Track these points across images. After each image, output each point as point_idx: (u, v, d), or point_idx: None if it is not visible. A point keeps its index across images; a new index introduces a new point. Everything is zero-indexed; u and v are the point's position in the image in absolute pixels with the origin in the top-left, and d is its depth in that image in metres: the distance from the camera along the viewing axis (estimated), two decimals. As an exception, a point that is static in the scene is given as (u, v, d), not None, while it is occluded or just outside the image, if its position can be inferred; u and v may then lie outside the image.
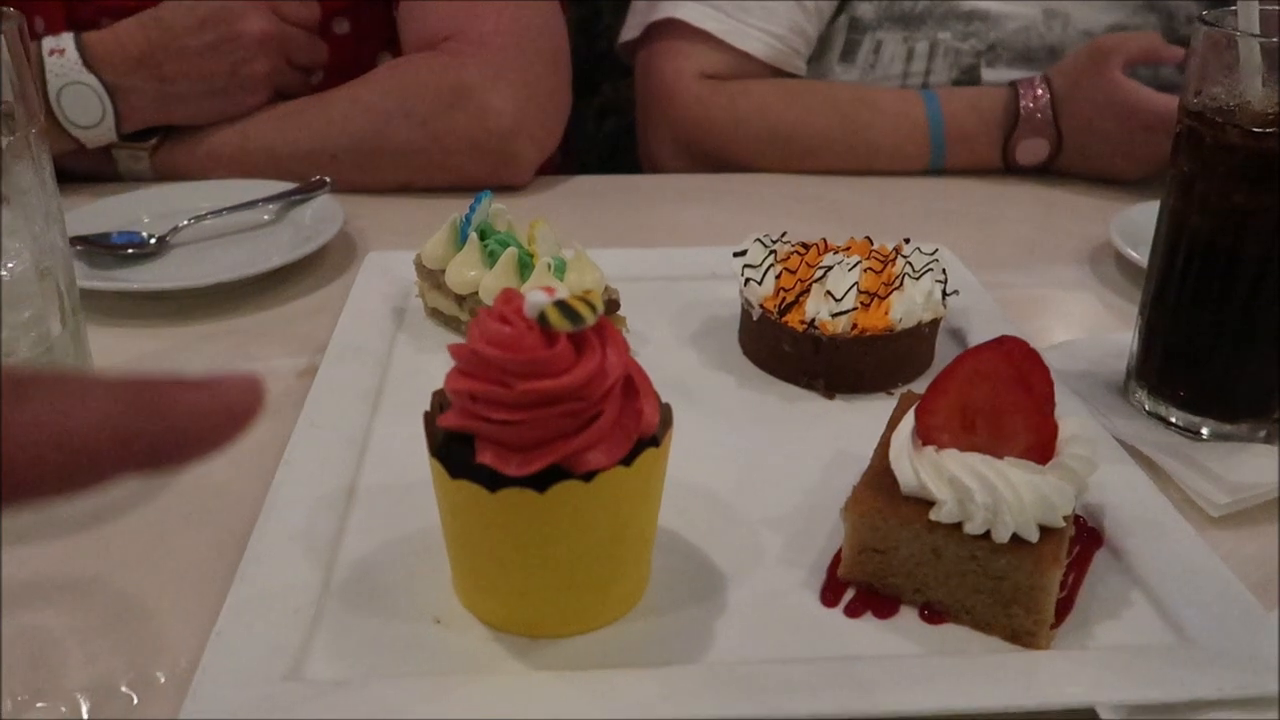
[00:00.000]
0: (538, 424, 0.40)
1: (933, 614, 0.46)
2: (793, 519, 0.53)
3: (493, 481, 0.40)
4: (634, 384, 0.43)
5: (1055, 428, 0.45)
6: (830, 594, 0.47)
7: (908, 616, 0.47)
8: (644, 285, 0.76)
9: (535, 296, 0.40)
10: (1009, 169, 1.06)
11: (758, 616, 0.46)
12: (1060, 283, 0.85)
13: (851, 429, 0.57)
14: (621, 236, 0.92)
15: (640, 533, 0.45)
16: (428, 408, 0.45)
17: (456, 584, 0.47)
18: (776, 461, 0.57)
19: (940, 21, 1.10)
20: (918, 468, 0.45)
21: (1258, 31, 0.54)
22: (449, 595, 0.47)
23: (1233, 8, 0.55)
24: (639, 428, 0.42)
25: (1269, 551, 0.52)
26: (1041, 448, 0.45)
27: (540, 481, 0.40)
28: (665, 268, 0.79)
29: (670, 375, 0.65)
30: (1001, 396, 0.45)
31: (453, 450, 0.42)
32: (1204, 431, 0.60)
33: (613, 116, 1.66)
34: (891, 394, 0.64)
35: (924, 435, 0.46)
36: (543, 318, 0.40)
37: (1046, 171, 1.06)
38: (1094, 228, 0.92)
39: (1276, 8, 0.56)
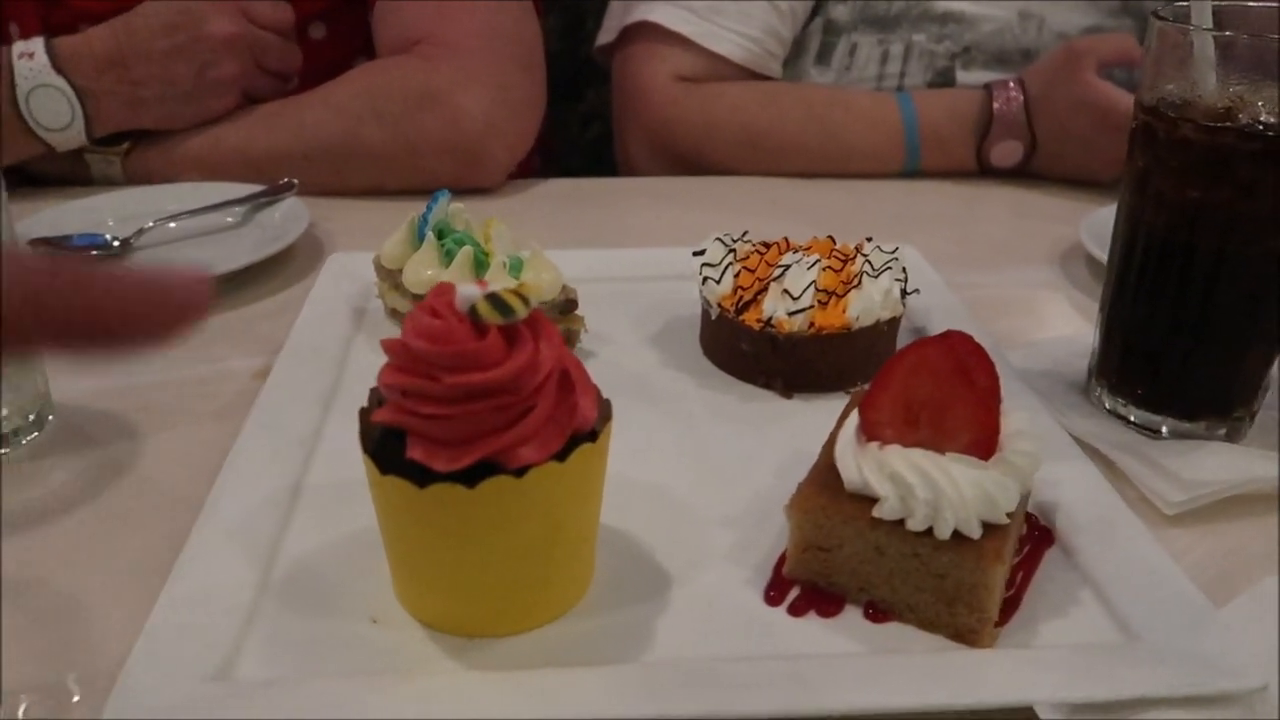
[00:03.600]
0: (467, 418, 0.39)
1: (877, 612, 0.46)
2: (743, 518, 0.52)
3: (422, 477, 0.40)
4: (570, 379, 0.43)
5: (998, 423, 0.45)
6: (775, 592, 0.47)
7: (852, 615, 0.46)
8: (608, 285, 0.75)
9: (466, 289, 0.40)
10: (984, 171, 1.06)
11: (701, 615, 0.46)
12: (1030, 283, 0.84)
13: (808, 428, 0.56)
14: (594, 238, 0.92)
15: (579, 529, 0.45)
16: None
17: (394, 583, 0.46)
18: (730, 460, 0.57)
19: (915, 24, 1.09)
20: (861, 464, 0.45)
21: (1210, 26, 0.54)
22: (387, 594, 0.46)
23: (1187, 2, 0.55)
24: (574, 423, 0.42)
25: (1223, 549, 0.52)
26: (985, 443, 0.44)
27: (470, 477, 0.39)
28: (630, 268, 0.78)
29: (628, 375, 0.66)
30: (944, 390, 0.44)
31: (385, 446, 0.42)
32: (1163, 430, 0.59)
33: (597, 122, 1.66)
34: (850, 393, 0.63)
35: (868, 431, 0.46)
36: (473, 311, 0.39)
37: (1022, 173, 1.05)
38: (1066, 229, 0.91)
39: (1228, 1, 0.56)
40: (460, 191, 0.99)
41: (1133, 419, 0.61)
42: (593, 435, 0.43)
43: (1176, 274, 0.57)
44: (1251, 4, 0.58)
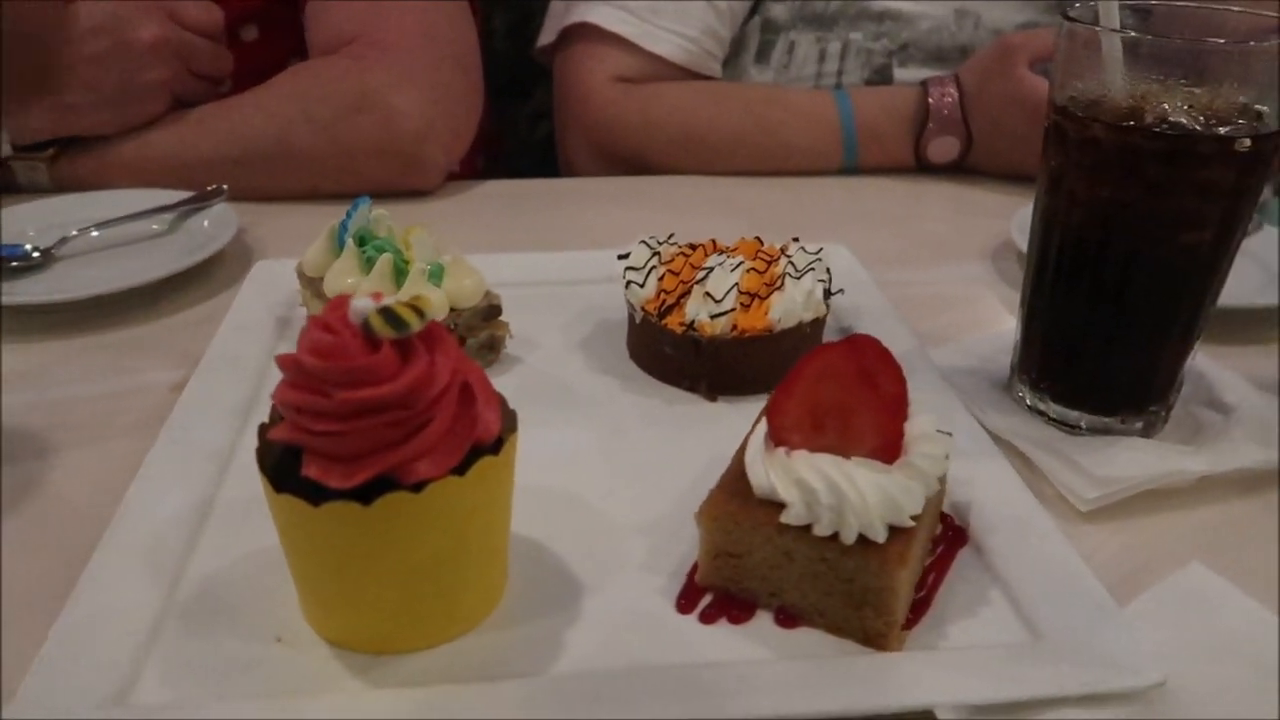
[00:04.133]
0: (362, 434, 0.39)
1: (787, 617, 0.46)
2: (659, 524, 0.52)
3: (316, 495, 0.39)
4: (471, 390, 0.42)
5: (902, 427, 0.45)
6: (686, 600, 0.47)
7: (763, 620, 0.46)
8: (537, 290, 0.75)
9: (359, 303, 0.39)
10: (922, 167, 1.06)
11: (612, 625, 0.46)
12: (963, 279, 0.85)
13: (732, 431, 0.56)
14: (533, 240, 0.91)
15: (485, 543, 0.44)
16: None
17: (300, 601, 0.45)
18: (650, 466, 0.57)
19: (852, 22, 1.10)
20: (769, 470, 0.45)
21: (1117, 26, 0.54)
22: (293, 613, 0.45)
23: (1095, 2, 0.55)
24: (475, 435, 0.41)
25: (1136, 544, 0.52)
26: (889, 447, 0.44)
27: (366, 494, 0.39)
28: (560, 272, 0.78)
29: (552, 380, 0.65)
30: (849, 396, 0.44)
31: (283, 464, 0.41)
32: (1081, 425, 0.60)
33: (545, 121, 1.65)
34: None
35: (775, 437, 0.46)
36: (366, 325, 0.39)
37: (959, 169, 1.06)
38: (1000, 224, 0.92)
39: (1133, 1, 0.56)
40: (398, 194, 0.98)
41: (1052, 415, 0.61)
42: (496, 447, 0.42)
43: (1090, 271, 0.57)
44: (1161, 3, 0.58)
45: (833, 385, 0.44)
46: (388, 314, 0.39)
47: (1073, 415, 0.60)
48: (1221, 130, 0.51)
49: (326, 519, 0.39)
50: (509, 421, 0.44)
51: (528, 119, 1.64)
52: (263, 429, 0.43)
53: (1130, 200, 0.54)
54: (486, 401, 0.43)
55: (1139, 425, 0.60)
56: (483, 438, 0.42)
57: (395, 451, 0.39)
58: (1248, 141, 0.51)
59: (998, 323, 0.76)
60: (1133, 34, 0.53)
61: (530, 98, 1.61)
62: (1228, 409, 0.61)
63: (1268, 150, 0.52)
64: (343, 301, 0.40)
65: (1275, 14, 0.55)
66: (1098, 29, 0.54)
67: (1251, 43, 0.51)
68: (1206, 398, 0.63)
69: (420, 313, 0.40)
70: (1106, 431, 0.60)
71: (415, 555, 0.41)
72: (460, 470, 0.40)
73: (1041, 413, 0.62)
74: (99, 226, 0.84)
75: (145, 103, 0.94)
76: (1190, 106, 0.52)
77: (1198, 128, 0.52)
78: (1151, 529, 0.54)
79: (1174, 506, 0.55)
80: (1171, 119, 0.53)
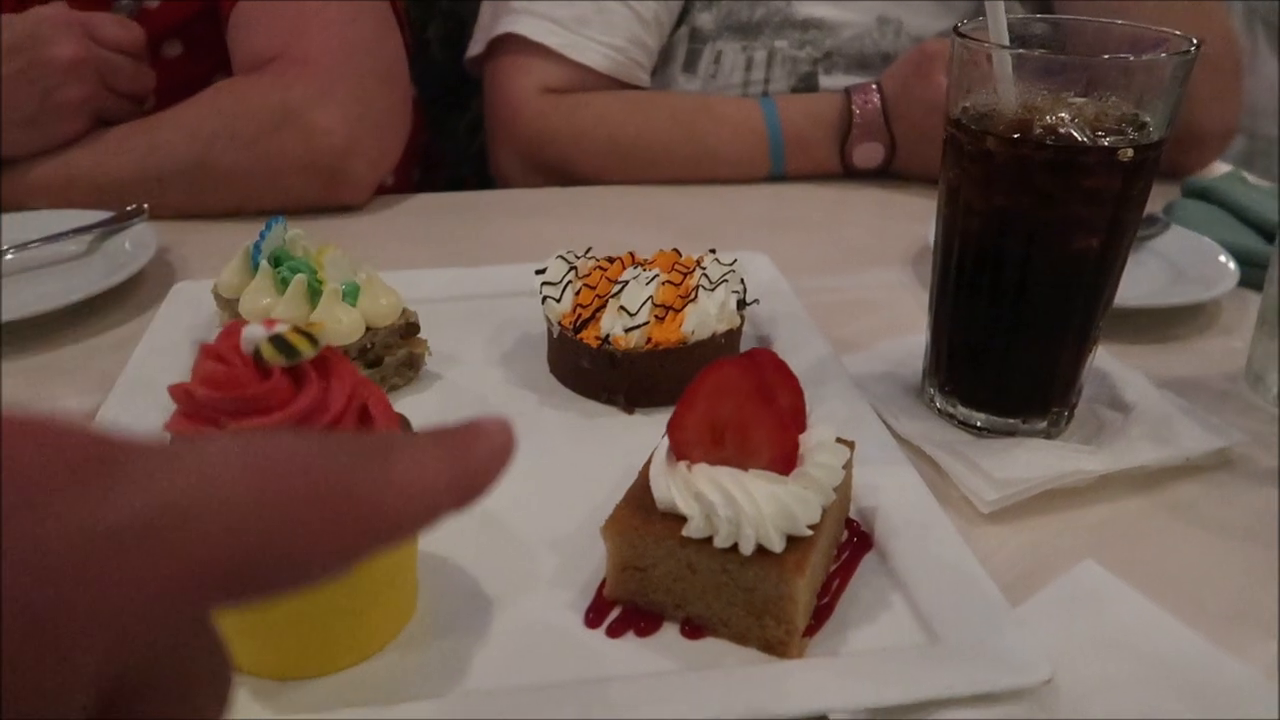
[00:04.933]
0: (255, 463, 0.39)
1: (693, 628, 0.46)
2: (571, 539, 0.52)
3: (210, 524, 0.39)
4: (370, 414, 0.42)
5: (796, 439, 0.46)
6: (594, 615, 0.47)
7: (670, 632, 0.47)
8: (458, 305, 0.75)
9: (251, 331, 0.40)
10: (848, 173, 1.08)
11: (521, 642, 0.46)
12: (883, 285, 0.86)
13: (648, 443, 0.56)
14: (459, 254, 0.91)
15: (389, 566, 0.45)
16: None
17: (206, 628, 0.45)
18: (564, 480, 0.57)
19: (777, 30, 1.11)
20: (670, 484, 0.46)
21: (1006, 41, 0.56)
22: (200, 640, 0.45)
23: (982, 18, 0.57)
24: (374, 460, 0.42)
25: (1033, 543, 0.54)
26: (785, 459, 0.45)
27: (261, 522, 0.39)
28: (481, 286, 0.78)
29: (470, 395, 0.66)
30: (745, 410, 0.45)
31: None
32: (987, 427, 0.62)
33: (483, 131, 1.65)
34: (692, 405, 0.64)
35: (677, 451, 0.47)
36: (257, 353, 0.39)
37: (885, 174, 1.08)
38: (921, 228, 0.94)
39: (1022, 15, 0.58)
40: (325, 210, 0.98)
41: (959, 417, 0.63)
42: (396, 470, 0.43)
43: (989, 278, 0.59)
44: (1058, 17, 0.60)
45: (730, 400, 0.45)
46: (279, 341, 0.39)
47: (978, 418, 0.62)
48: (1106, 141, 0.53)
49: (222, 548, 0.39)
50: (411, 444, 0.45)
51: (466, 129, 1.64)
52: (161, 458, 0.43)
53: (1023, 209, 0.56)
54: (387, 424, 0.43)
55: (1042, 425, 0.62)
56: (382, 461, 0.42)
57: (290, 479, 0.39)
58: (1130, 151, 0.53)
59: (913, 327, 0.78)
60: (1020, 50, 0.55)
61: (467, 109, 1.61)
62: (1128, 407, 0.63)
63: (1151, 159, 0.54)
64: (235, 329, 0.41)
65: (1161, 29, 0.57)
66: (988, 45, 0.56)
67: (1132, 57, 0.53)
68: (1109, 397, 0.65)
69: (313, 339, 0.40)
70: (1011, 433, 0.61)
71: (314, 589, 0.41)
72: (358, 495, 0.41)
73: (950, 415, 0.63)
74: (15, 249, 0.82)
75: (64, 122, 0.93)
76: (1078, 118, 0.54)
77: (1084, 139, 0.54)
78: (1050, 527, 0.55)
79: (1072, 505, 0.57)
80: (1060, 130, 0.54)
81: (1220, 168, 1.12)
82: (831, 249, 0.94)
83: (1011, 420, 0.61)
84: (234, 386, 0.38)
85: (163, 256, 0.87)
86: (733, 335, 0.65)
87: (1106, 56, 0.55)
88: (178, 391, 0.40)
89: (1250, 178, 1.03)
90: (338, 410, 0.40)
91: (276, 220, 0.67)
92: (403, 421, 0.45)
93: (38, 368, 0.71)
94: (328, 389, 0.40)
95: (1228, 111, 1.06)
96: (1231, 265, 0.79)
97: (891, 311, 0.82)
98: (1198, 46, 0.53)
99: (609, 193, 1.07)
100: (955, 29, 0.57)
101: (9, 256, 0.82)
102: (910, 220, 0.98)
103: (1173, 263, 0.82)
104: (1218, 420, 0.62)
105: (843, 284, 0.86)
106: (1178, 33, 0.55)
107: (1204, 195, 0.94)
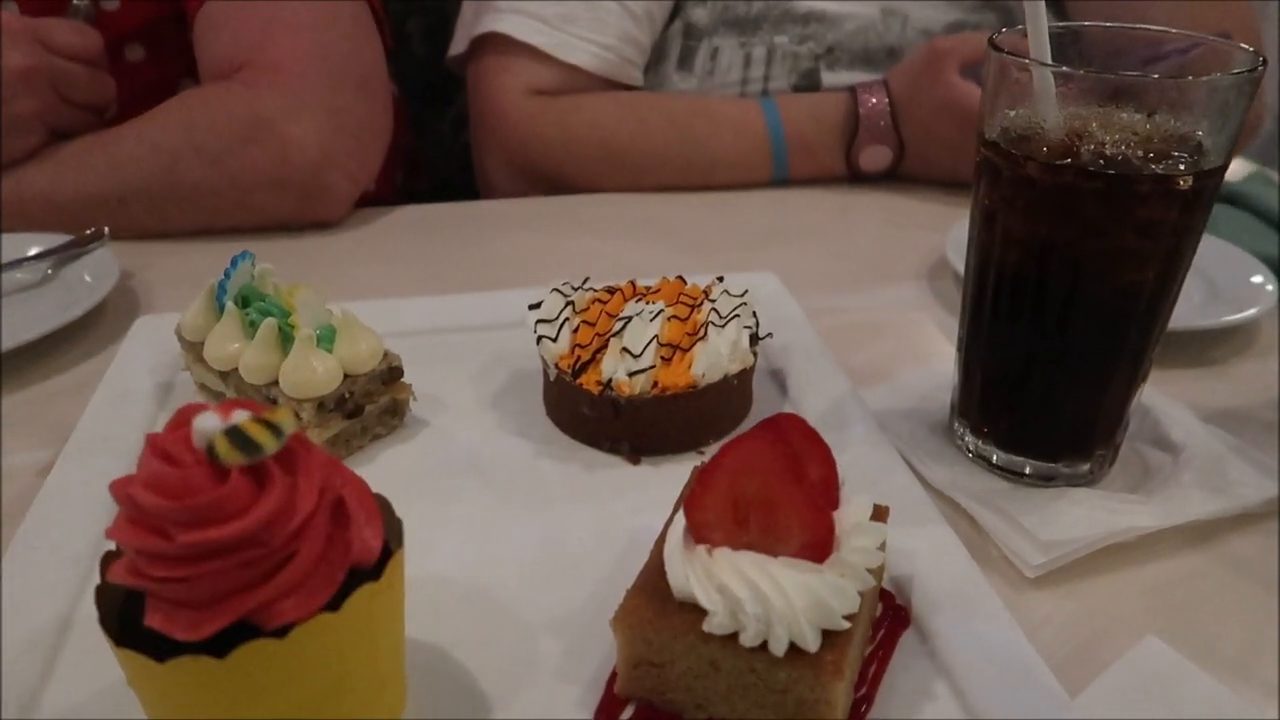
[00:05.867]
0: (210, 578, 0.33)
1: (716, 731, 0.41)
2: (576, 619, 0.47)
3: (161, 649, 0.34)
4: (346, 508, 0.37)
5: (832, 520, 0.41)
6: (605, 714, 0.42)
7: (690, 735, 0.42)
8: (443, 338, 0.70)
9: (202, 423, 0.34)
10: (854, 176, 1.02)
11: (523, 748, 0.41)
12: (897, 304, 0.81)
13: (656, 499, 0.52)
14: (446, 273, 0.86)
15: (371, 674, 0.39)
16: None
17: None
18: (567, 547, 0.52)
19: (776, 25, 1.05)
20: (689, 571, 0.40)
21: (1048, 55, 0.51)
22: (159, 758, 0.40)
23: (1020, 26, 0.51)
24: (350, 560, 0.36)
25: (1086, 610, 0.49)
26: (818, 544, 0.40)
27: (220, 645, 0.34)
28: (469, 317, 0.72)
29: (460, 445, 0.60)
30: (773, 489, 0.40)
31: (127, 608, 0.36)
32: (1026, 470, 0.57)
33: (468, 128, 1.59)
34: (703, 453, 0.59)
35: (695, 533, 0.41)
36: (211, 450, 0.34)
37: (892, 177, 1.03)
38: (935, 238, 0.89)
39: (1064, 24, 0.53)
40: (299, 228, 0.92)
41: (995, 460, 0.58)
42: (378, 570, 0.37)
43: (1029, 312, 0.54)
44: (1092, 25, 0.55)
45: (756, 476, 0.40)
46: (236, 435, 0.34)
47: (1016, 461, 0.57)
48: (1160, 167, 0.48)
49: (176, 675, 0.34)
50: (394, 533, 0.39)
51: (450, 125, 1.58)
52: (105, 561, 0.38)
53: (1068, 239, 0.51)
54: (366, 517, 0.38)
55: (1085, 469, 0.57)
56: (361, 561, 0.37)
57: (252, 594, 0.34)
58: (1190, 179, 0.48)
59: (935, 353, 0.73)
60: (1065, 69, 0.50)
61: (451, 104, 1.55)
62: (1175, 448, 0.58)
63: (1211, 186, 0.49)
64: (185, 417, 0.35)
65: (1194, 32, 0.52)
66: (1028, 62, 0.50)
67: (1190, 78, 0.48)
68: (1152, 435, 0.60)
69: (276, 429, 0.34)
70: (1051, 477, 0.56)
71: (283, 706, 0.36)
72: (334, 605, 0.35)
73: (984, 458, 0.58)
74: (-38, 280, 0.76)
75: (16, 137, 0.87)
76: (1128, 140, 0.49)
77: (1136, 162, 0.48)
78: (1102, 591, 0.50)
79: (1124, 563, 0.52)
80: (1109, 154, 0.49)
81: (1241, 166, 1.07)
82: (840, 262, 0.88)
83: (1052, 464, 0.56)
84: (185, 494, 0.33)
85: (124, 283, 0.81)
86: (746, 375, 0.60)
87: (1160, 76, 0.49)
88: (120, 493, 0.34)
89: (1276, 176, 0.98)
90: (307, 510, 0.35)
91: (243, 256, 0.61)
92: (384, 506, 0.40)
93: (-14, 417, 0.65)
94: (294, 487, 0.35)
95: (1255, 105, 1.01)
96: (1269, 285, 0.74)
97: (909, 335, 0.76)
98: (1264, 63, 0.47)
99: (603, 202, 1.01)
100: (990, 42, 0.51)
101: (-44, 289, 0.75)
102: (922, 229, 0.93)
103: (1207, 277, 0.77)
104: (1270, 460, 0.57)
105: (855, 303, 0.81)
106: (1214, 37, 0.50)
107: (1232, 200, 0.89)
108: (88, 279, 0.78)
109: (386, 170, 1.16)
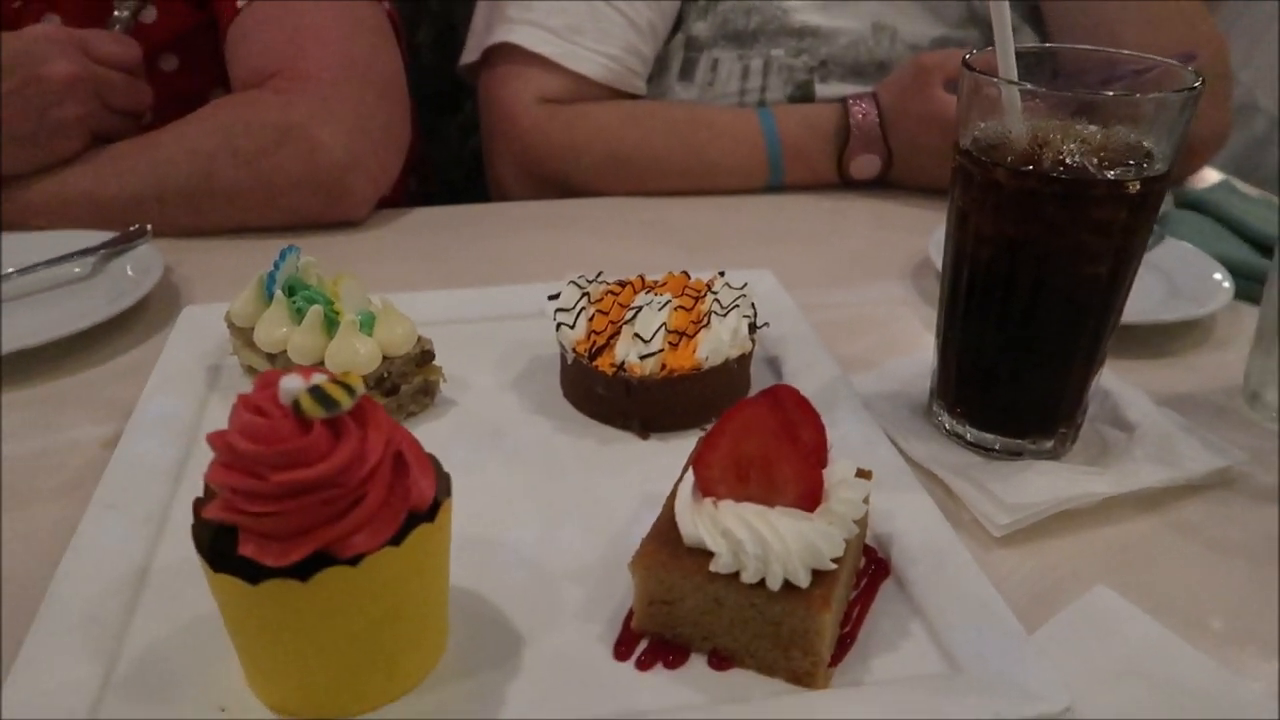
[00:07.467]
0: (296, 513, 0.40)
1: (720, 660, 0.47)
2: (595, 569, 0.53)
3: (253, 573, 0.40)
4: (405, 460, 0.43)
5: (821, 476, 0.47)
6: (623, 647, 0.48)
7: (697, 664, 0.48)
8: (468, 328, 0.76)
9: (289, 383, 0.40)
10: (846, 183, 1.09)
11: (552, 676, 0.47)
12: (884, 300, 0.87)
13: (664, 469, 0.58)
14: (464, 270, 0.92)
15: (424, 606, 0.45)
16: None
17: (243, 670, 0.46)
18: (585, 509, 0.58)
19: (772, 39, 1.12)
20: (697, 520, 0.47)
21: (1015, 74, 0.57)
22: (237, 682, 0.46)
23: (990, 48, 0.58)
24: (410, 504, 0.42)
25: (1046, 565, 0.55)
26: (809, 496, 0.46)
27: (303, 570, 0.40)
28: (491, 308, 0.78)
29: (486, 422, 0.66)
30: (770, 448, 0.46)
31: (219, 541, 0.42)
32: (996, 446, 0.63)
33: (475, 134, 1.64)
34: (706, 429, 0.65)
35: (703, 488, 0.48)
36: (296, 405, 0.40)
37: (881, 184, 1.09)
38: (919, 240, 0.95)
39: (1035, 45, 0.59)
40: (326, 226, 0.98)
41: (968, 437, 0.64)
42: (431, 513, 0.43)
43: (998, 303, 0.60)
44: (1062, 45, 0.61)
45: (755, 438, 0.46)
46: (318, 393, 0.40)
47: (987, 438, 0.63)
48: (1112, 174, 0.54)
49: (265, 596, 0.40)
50: (443, 485, 0.45)
51: (458, 132, 1.64)
52: (197, 505, 0.44)
53: (1032, 237, 0.57)
54: (420, 470, 0.44)
55: (1049, 445, 0.63)
56: (417, 505, 0.43)
57: (331, 528, 0.40)
58: (1138, 184, 0.54)
59: (917, 344, 0.79)
60: (1029, 86, 0.56)
61: (460, 110, 1.61)
62: (1130, 427, 0.64)
63: (1156, 191, 0.56)
64: (272, 379, 0.41)
65: (1161, 58, 0.58)
66: (996, 81, 0.57)
67: (1138, 95, 0.54)
68: (1111, 416, 0.66)
69: (350, 389, 0.40)
70: (1019, 453, 0.63)
71: (354, 625, 0.42)
72: (396, 540, 0.41)
73: (959, 436, 0.64)
74: (18, 272, 0.82)
75: (61, 140, 0.93)
76: (1084, 149, 0.55)
77: (1091, 169, 0.55)
78: (1060, 550, 0.57)
79: (1081, 527, 0.58)
80: (1068, 161, 0.55)
81: (1210, 176, 1.14)
82: (832, 261, 0.95)
83: (1019, 440, 0.63)
84: (276, 440, 0.39)
85: (166, 277, 0.87)
86: (745, 359, 0.66)
87: (1113, 93, 0.56)
88: (218, 441, 0.40)
89: (1241, 186, 1.05)
90: (375, 459, 0.41)
91: (290, 250, 0.67)
92: (434, 463, 0.46)
93: (46, 397, 0.70)
94: (365, 439, 0.41)
95: (1219, 117, 1.08)
96: (1226, 283, 0.81)
97: (894, 328, 0.83)
98: (1204, 82, 0.54)
99: (609, 205, 1.08)
100: (964, 60, 0.58)
101: (11, 278, 0.81)
102: (907, 231, 1.00)
103: (1168, 277, 0.84)
104: (1217, 438, 0.64)
105: (845, 299, 0.87)
106: (1170, 60, 0.57)
107: (1197, 207, 0.96)
108: (130, 273, 0.84)
109: (399, 178, 1.22)
